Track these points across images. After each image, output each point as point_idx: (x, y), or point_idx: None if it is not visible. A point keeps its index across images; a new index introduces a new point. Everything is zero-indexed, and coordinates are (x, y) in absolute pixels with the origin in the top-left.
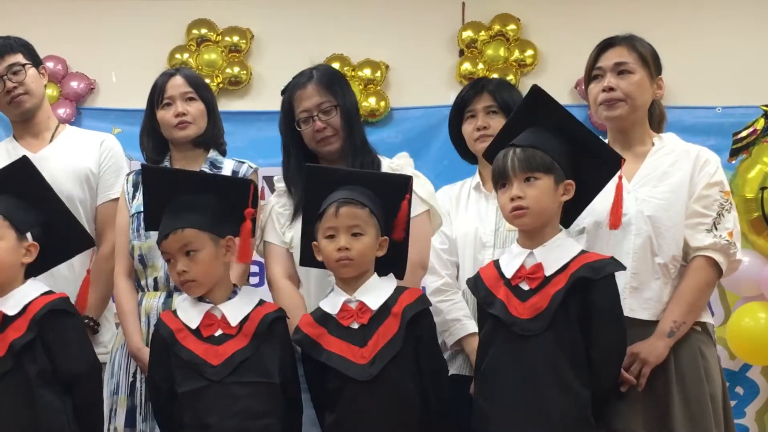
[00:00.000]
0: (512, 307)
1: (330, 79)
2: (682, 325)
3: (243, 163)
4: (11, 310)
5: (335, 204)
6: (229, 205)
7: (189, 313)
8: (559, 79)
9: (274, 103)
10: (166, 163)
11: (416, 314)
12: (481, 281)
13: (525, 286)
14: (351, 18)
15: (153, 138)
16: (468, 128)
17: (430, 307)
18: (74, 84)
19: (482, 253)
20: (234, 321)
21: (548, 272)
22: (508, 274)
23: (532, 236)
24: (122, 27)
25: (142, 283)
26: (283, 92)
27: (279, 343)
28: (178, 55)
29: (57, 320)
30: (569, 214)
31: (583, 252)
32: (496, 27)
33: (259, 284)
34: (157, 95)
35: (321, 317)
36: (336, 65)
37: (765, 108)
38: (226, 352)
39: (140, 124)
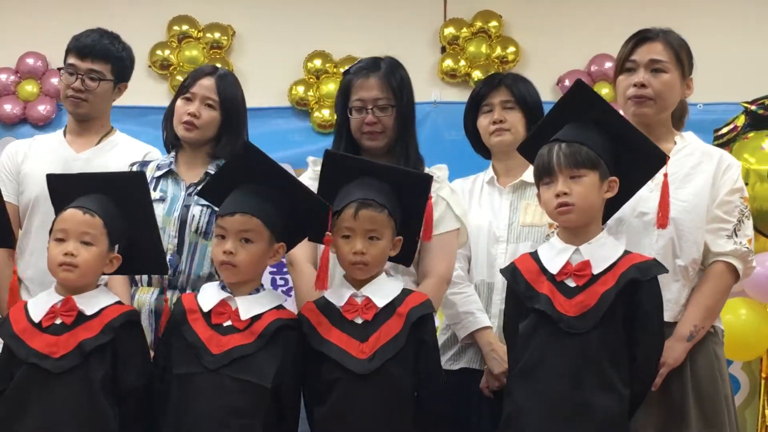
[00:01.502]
0: (557, 303)
1: (395, 78)
2: (701, 330)
3: None
4: (88, 310)
5: (354, 205)
6: (297, 217)
7: (207, 295)
8: (540, 76)
9: (256, 100)
10: (172, 160)
11: (421, 317)
12: (520, 274)
13: (571, 283)
14: (333, 15)
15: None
16: (484, 122)
17: (443, 299)
18: (55, 81)
19: (495, 247)
20: (245, 315)
21: (596, 270)
22: (553, 270)
23: (576, 233)
24: (103, 23)
25: (136, 277)
26: (345, 73)
27: (283, 350)
28: (159, 52)
29: (131, 331)
30: (606, 210)
31: (627, 252)
32: (478, 24)
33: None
34: (186, 85)
35: (323, 306)
36: (317, 62)
37: (746, 105)
38: (228, 344)
39: (121, 120)
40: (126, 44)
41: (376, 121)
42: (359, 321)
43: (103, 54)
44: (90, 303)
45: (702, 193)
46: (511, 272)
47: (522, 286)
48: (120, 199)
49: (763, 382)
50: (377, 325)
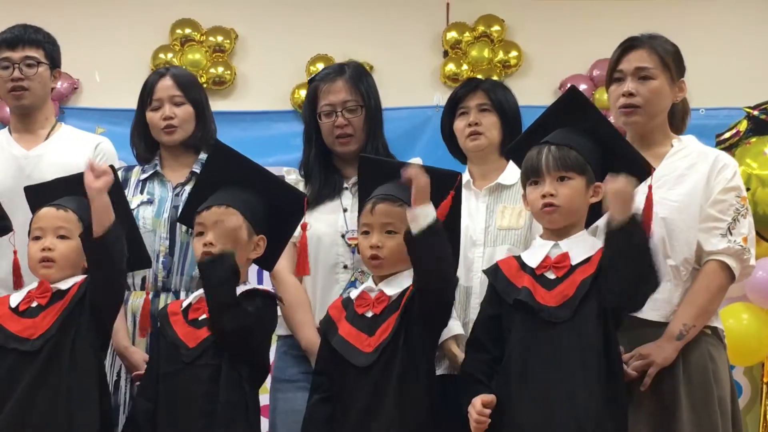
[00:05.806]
0: (538, 296)
1: (360, 79)
2: (692, 329)
3: None
4: (63, 286)
5: (372, 200)
6: (274, 209)
7: (190, 296)
8: (542, 81)
9: (258, 104)
10: (156, 162)
11: (410, 300)
12: (501, 272)
13: (551, 275)
14: (335, 18)
15: (144, 137)
16: (460, 125)
17: None
18: (58, 83)
19: (472, 251)
20: None
21: (574, 261)
22: (533, 264)
23: (558, 234)
24: (106, 26)
25: (129, 281)
26: (310, 81)
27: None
28: (161, 55)
29: None
30: (590, 217)
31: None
32: (481, 28)
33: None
34: (147, 96)
35: (346, 300)
36: (320, 66)
37: (748, 110)
38: (203, 335)
39: (124, 124)
40: (48, 32)
41: (347, 123)
42: (369, 314)
43: (33, 41)
44: (65, 282)
45: (695, 192)
46: (493, 271)
47: (502, 282)
48: None
49: (764, 387)
50: (384, 318)
